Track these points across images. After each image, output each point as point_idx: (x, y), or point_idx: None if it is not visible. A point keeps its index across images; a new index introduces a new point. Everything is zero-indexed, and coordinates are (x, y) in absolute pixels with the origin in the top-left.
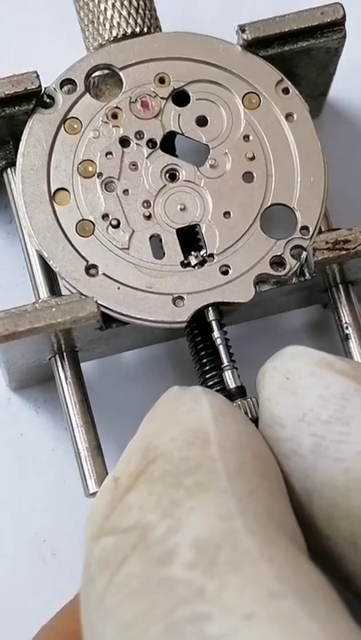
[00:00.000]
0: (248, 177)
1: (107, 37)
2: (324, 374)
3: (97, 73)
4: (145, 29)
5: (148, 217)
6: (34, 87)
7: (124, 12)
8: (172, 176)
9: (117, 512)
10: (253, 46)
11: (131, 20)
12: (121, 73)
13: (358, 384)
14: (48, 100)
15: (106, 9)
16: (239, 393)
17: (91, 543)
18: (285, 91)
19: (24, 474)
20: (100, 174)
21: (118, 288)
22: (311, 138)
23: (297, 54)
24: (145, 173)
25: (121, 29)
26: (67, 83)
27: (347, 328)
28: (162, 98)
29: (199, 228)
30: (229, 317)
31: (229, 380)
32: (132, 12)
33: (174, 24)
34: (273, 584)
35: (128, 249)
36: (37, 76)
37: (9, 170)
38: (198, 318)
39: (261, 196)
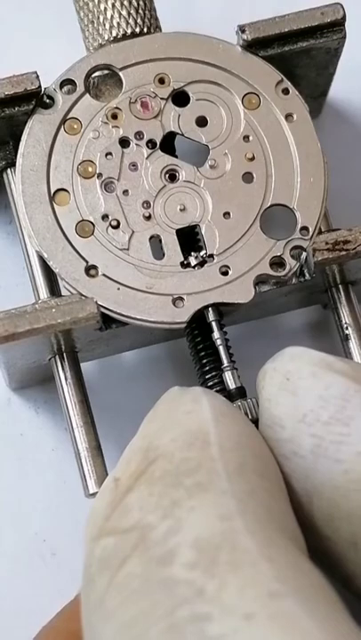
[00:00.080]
0: (248, 177)
1: (107, 37)
2: (325, 375)
3: (97, 73)
4: (145, 29)
5: (148, 217)
6: (34, 87)
7: (124, 12)
8: (172, 176)
9: (118, 513)
10: (253, 46)
11: (131, 20)
12: (121, 73)
13: (358, 385)
14: (48, 101)
15: (106, 9)
16: (239, 394)
17: (91, 544)
18: (285, 91)
19: (24, 474)
20: (99, 175)
21: (118, 289)
22: (311, 138)
23: (297, 54)
24: (145, 174)
25: (121, 29)
26: (66, 83)
27: (347, 328)
28: (162, 98)
29: (199, 229)
30: (229, 318)
31: (229, 380)
32: (132, 12)
33: (174, 24)
34: (273, 584)
35: (128, 249)
36: (37, 77)
37: (9, 170)
38: (198, 319)
39: (261, 196)
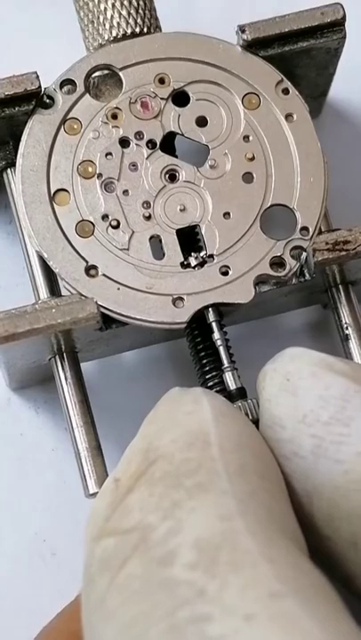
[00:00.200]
0: (248, 177)
1: (107, 37)
2: (325, 375)
3: (97, 73)
4: (145, 29)
5: (148, 217)
6: (34, 88)
7: (124, 12)
8: (172, 177)
9: (118, 513)
10: (253, 46)
11: (131, 20)
12: (121, 73)
13: (358, 385)
14: (48, 101)
15: (106, 9)
16: (239, 394)
17: (91, 544)
18: (285, 91)
19: (24, 474)
20: (99, 175)
21: (118, 289)
22: (311, 138)
23: (297, 54)
24: (145, 174)
25: (121, 29)
26: (66, 83)
27: (347, 328)
28: (162, 98)
29: (199, 229)
30: (229, 318)
31: (230, 381)
32: (132, 12)
33: (174, 24)
34: (274, 584)
35: (128, 250)
36: (37, 77)
37: (9, 170)
38: (198, 319)
39: (261, 196)
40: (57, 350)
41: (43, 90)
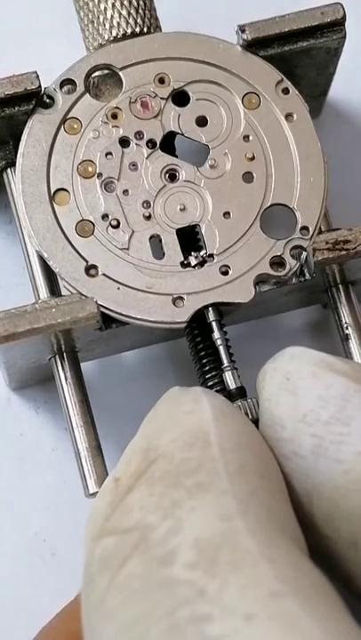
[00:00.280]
0: (248, 177)
1: (107, 37)
2: (325, 375)
3: (97, 73)
4: (145, 29)
5: (148, 217)
6: (34, 87)
7: (124, 12)
8: (172, 176)
9: (118, 513)
10: (253, 46)
11: (131, 20)
12: (121, 73)
13: (358, 385)
14: (48, 101)
15: (106, 9)
16: (239, 394)
17: (91, 544)
18: (285, 91)
19: (24, 474)
20: (99, 174)
21: (118, 288)
22: (311, 138)
23: (297, 54)
24: (145, 174)
25: (121, 29)
26: (66, 83)
27: (347, 328)
28: (162, 98)
29: (199, 229)
30: (229, 317)
31: (229, 380)
32: (132, 11)
33: (174, 24)
34: (274, 584)
35: (128, 249)
36: (37, 77)
37: (9, 170)
38: (198, 319)
39: (261, 196)
40: (57, 350)
41: (43, 90)
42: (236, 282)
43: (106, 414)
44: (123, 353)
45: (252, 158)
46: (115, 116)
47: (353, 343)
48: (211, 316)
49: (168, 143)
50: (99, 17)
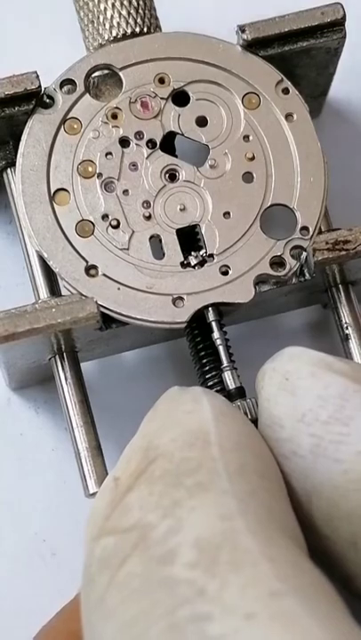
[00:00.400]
0: (248, 177)
1: (107, 37)
2: (324, 375)
3: (97, 73)
4: (145, 29)
5: (148, 217)
6: (34, 87)
7: (124, 12)
8: (172, 176)
9: (118, 512)
10: (253, 46)
11: (131, 20)
12: (121, 73)
13: (357, 385)
14: (48, 101)
15: (106, 9)
16: (239, 393)
17: (91, 543)
18: (285, 91)
19: (24, 474)
20: (99, 174)
21: (118, 288)
22: (311, 138)
23: (297, 54)
24: (145, 174)
25: (121, 29)
26: (66, 83)
27: (347, 328)
28: (162, 98)
29: (199, 229)
30: (229, 317)
31: (229, 380)
32: (132, 11)
33: (174, 24)
34: (274, 583)
35: (128, 249)
36: (37, 77)
37: (9, 170)
38: (198, 319)
39: (261, 196)
40: (57, 350)
41: (43, 89)
42: (236, 282)
43: (106, 414)
44: (123, 353)
45: (252, 158)
46: (115, 116)
47: (353, 343)
48: (211, 316)
49: (168, 143)
50: (99, 17)
